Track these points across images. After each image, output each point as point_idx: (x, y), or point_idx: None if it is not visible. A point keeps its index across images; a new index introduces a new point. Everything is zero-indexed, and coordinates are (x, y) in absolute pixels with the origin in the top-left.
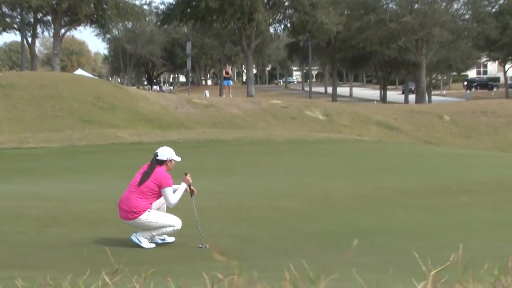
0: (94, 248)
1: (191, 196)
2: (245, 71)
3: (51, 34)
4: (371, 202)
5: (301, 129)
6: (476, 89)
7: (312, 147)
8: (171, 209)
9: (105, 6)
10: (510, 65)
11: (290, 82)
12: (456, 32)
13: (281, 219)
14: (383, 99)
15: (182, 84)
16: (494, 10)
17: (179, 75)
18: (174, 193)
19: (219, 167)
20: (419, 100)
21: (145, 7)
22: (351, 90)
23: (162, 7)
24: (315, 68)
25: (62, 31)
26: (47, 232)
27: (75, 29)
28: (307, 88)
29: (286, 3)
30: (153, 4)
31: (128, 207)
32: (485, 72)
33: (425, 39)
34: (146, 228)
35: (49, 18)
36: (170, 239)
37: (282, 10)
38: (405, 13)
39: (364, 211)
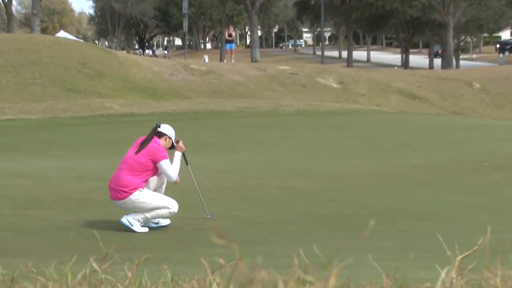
0: (80, 232)
1: (187, 165)
2: (249, 33)
3: None
4: (391, 180)
5: (312, 99)
6: (510, 52)
7: (325, 119)
8: (166, 191)
9: None
10: None
11: (298, 46)
12: None
13: (290, 200)
14: (405, 64)
15: (178, 48)
16: None
17: (175, 38)
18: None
19: (220, 141)
20: (445, 65)
21: None
22: (368, 54)
23: None
24: (328, 29)
25: None
26: (27, 215)
27: None
28: (318, 52)
29: None
30: None
31: (118, 185)
32: None
33: None
34: (138, 210)
35: None
36: (165, 221)
37: None
38: None
39: (384, 191)
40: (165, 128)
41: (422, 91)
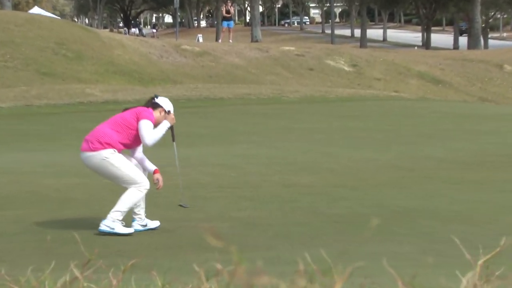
0: (59, 234)
1: (173, 141)
2: (248, 9)
3: None
4: (411, 176)
5: (321, 84)
6: None
7: (335, 107)
8: None
9: None
10: None
11: (303, 23)
12: None
13: (296, 198)
14: (426, 44)
15: (168, 26)
16: None
17: (164, 14)
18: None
19: (217, 133)
20: (472, 45)
21: None
22: (385, 33)
23: None
24: (338, 4)
25: None
26: None
27: None
28: (328, 31)
29: None
30: None
31: (93, 136)
32: None
33: None
34: (104, 173)
35: None
36: (154, 224)
37: None
38: None
39: (403, 188)
40: (162, 100)
41: (445, 75)
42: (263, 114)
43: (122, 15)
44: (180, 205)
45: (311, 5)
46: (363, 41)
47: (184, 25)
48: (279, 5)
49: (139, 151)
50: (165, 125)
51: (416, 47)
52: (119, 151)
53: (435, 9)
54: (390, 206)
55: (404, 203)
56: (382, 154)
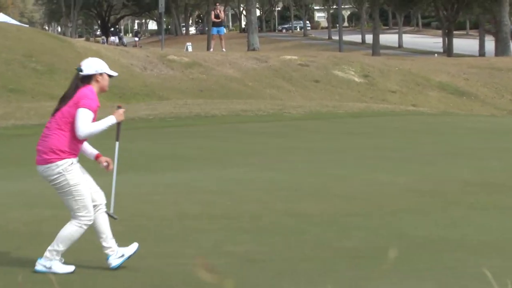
0: (30, 275)
1: (116, 140)
2: (244, 12)
3: None
4: (433, 201)
5: (328, 98)
6: None
7: (345, 124)
8: None
9: None
10: None
11: (301, 29)
12: None
13: (302, 229)
14: (448, 50)
15: (153, 33)
16: None
17: (148, 20)
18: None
19: (209, 154)
20: (500, 51)
21: None
22: (400, 38)
23: None
24: (347, 6)
25: None
26: None
27: None
28: (335, 37)
29: None
30: None
31: (44, 146)
32: None
33: None
34: (57, 188)
35: None
36: (132, 248)
37: None
38: None
39: (424, 215)
40: (89, 65)
41: (470, 86)
42: (262, 133)
43: (99, 22)
44: (108, 214)
45: (315, 7)
46: (376, 48)
47: (170, 33)
48: (279, 8)
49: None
50: (109, 121)
51: (436, 54)
52: (77, 155)
53: (458, 10)
54: (410, 236)
55: (425, 233)
56: (400, 177)
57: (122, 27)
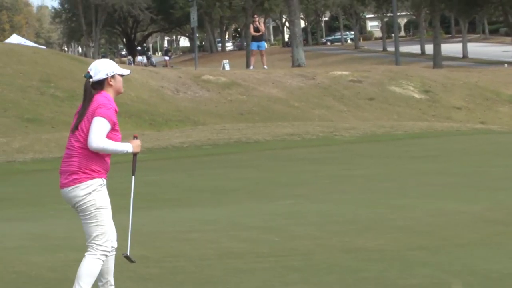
0: None
1: (132, 174)
2: (287, 24)
3: None
4: (508, 231)
5: (385, 117)
6: None
7: (405, 146)
8: None
9: None
10: None
11: (348, 39)
12: None
13: (360, 267)
14: None
15: (185, 51)
16: None
17: (179, 37)
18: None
19: (252, 186)
20: None
21: None
22: (465, 47)
23: None
24: (403, 14)
25: None
26: None
27: None
28: (391, 48)
29: None
30: None
31: (71, 166)
32: None
33: None
34: (82, 210)
35: None
36: None
37: None
38: None
39: (497, 247)
40: (98, 70)
41: None
42: (312, 160)
43: (125, 40)
44: (125, 256)
45: (367, 16)
46: (437, 60)
47: (205, 50)
48: (326, 18)
49: None
50: (125, 147)
51: (506, 65)
52: (106, 175)
53: None
54: (482, 271)
55: (500, 267)
56: (469, 205)
57: (151, 45)
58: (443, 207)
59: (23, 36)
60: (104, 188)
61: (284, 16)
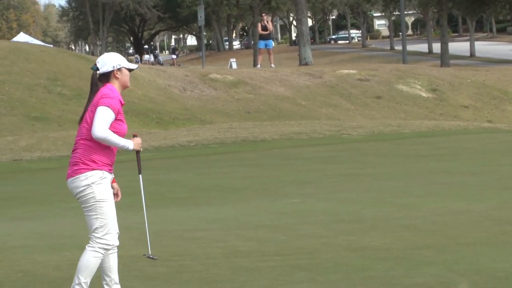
0: None
1: (139, 173)
2: (294, 23)
3: None
4: None
5: (392, 116)
6: None
7: (412, 145)
8: None
9: None
10: None
11: (354, 38)
12: None
13: (366, 265)
14: None
15: (192, 50)
16: None
17: (186, 35)
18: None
19: (259, 185)
20: None
21: None
22: (472, 46)
23: None
24: (410, 12)
25: None
26: None
27: None
28: (398, 47)
29: None
30: None
31: (74, 158)
32: None
33: None
34: (82, 202)
35: None
36: None
37: None
38: None
39: (505, 247)
40: (105, 62)
41: None
42: (319, 158)
43: (132, 38)
44: (146, 256)
45: (375, 14)
46: (445, 58)
47: (212, 48)
48: (334, 17)
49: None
50: (126, 143)
51: None
52: (110, 169)
53: None
54: (488, 270)
55: (506, 266)
56: (476, 204)
57: (158, 44)
58: (449, 206)
59: (30, 34)
60: (105, 181)
61: (291, 14)
